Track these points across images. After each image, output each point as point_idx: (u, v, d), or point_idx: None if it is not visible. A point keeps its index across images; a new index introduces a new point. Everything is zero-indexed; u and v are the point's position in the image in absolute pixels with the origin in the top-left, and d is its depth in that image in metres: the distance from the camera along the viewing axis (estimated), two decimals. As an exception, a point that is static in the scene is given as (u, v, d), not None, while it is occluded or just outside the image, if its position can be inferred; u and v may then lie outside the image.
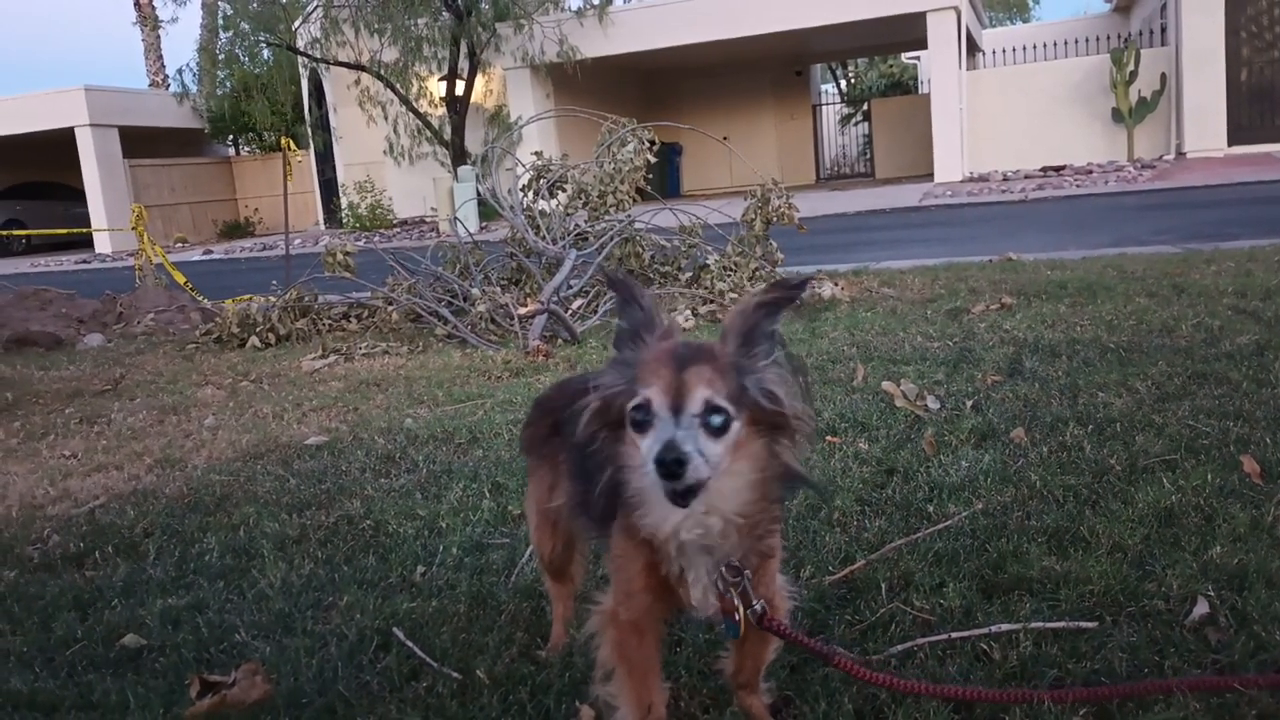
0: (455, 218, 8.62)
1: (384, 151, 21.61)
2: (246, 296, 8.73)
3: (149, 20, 29.46)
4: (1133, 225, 10.18)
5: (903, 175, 21.25)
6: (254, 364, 6.25)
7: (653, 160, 7.48)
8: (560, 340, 6.05)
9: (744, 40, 19.39)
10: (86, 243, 24.31)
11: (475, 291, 6.65)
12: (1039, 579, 2.27)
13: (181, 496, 3.50)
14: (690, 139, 20.86)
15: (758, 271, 6.90)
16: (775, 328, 1.54)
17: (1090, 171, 17.18)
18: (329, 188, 24.10)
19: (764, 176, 7.49)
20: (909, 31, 19.22)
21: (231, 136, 30.47)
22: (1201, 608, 2.07)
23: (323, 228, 23.94)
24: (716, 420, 1.44)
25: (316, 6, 20.51)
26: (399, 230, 20.51)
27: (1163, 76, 18.03)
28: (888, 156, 22.54)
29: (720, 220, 7.57)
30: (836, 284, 6.82)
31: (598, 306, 6.61)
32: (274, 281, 8.35)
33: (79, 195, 24.80)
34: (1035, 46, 23.15)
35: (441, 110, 20.88)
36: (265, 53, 23.81)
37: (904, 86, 27.66)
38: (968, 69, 19.35)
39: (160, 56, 30.94)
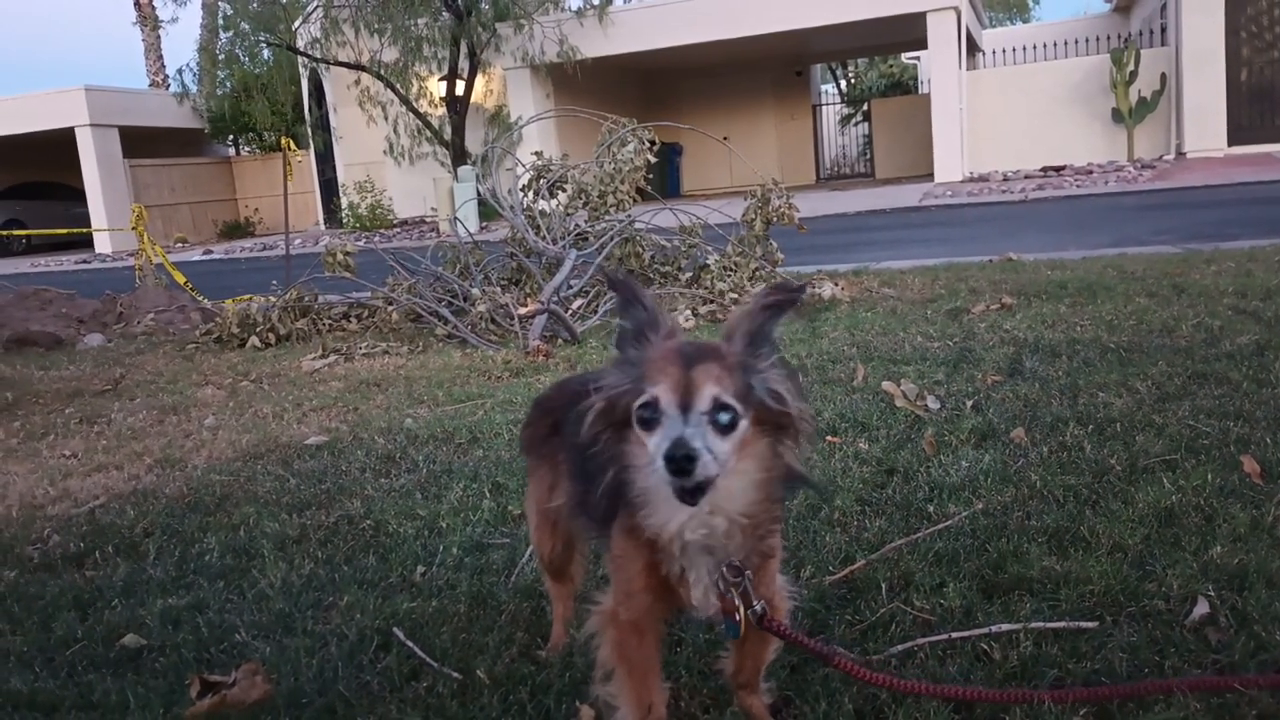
0: (455, 218, 8.62)
1: (384, 151, 21.61)
2: (246, 296, 8.73)
3: (149, 20, 29.47)
4: (1133, 225, 10.17)
5: (903, 175, 21.25)
6: (254, 364, 6.25)
7: (653, 160, 7.48)
8: (560, 340, 6.05)
9: (744, 40, 19.39)
10: (86, 243, 24.31)
11: (475, 291, 6.65)
12: (1039, 579, 2.27)
13: (181, 496, 3.50)
14: (690, 139, 20.86)
15: (758, 271, 6.90)
16: (779, 330, 1.54)
17: (1090, 171, 17.18)
18: (329, 188, 24.11)
19: (764, 176, 7.49)
20: (909, 31, 19.22)
21: (231, 136, 30.47)
22: (1202, 608, 2.07)
23: (323, 228, 23.95)
24: (725, 418, 1.44)
25: (316, 6, 20.51)
26: (399, 230, 20.51)
27: (1163, 76, 18.04)
28: (888, 156, 22.54)
29: (720, 220, 7.57)
30: (837, 284, 6.82)
31: (598, 306, 6.61)
32: (274, 281, 8.35)
33: (79, 195, 24.80)
34: (1035, 46, 23.15)
35: (441, 110, 20.88)
36: (265, 53, 23.81)
37: (904, 86, 27.66)
38: (968, 69, 19.36)
39: (160, 56, 30.95)
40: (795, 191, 8.15)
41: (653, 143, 7.51)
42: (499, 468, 3.45)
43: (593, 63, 19.59)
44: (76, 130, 24.08)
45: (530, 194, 7.67)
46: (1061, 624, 2.07)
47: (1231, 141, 17.68)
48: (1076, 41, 22.06)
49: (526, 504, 2.34)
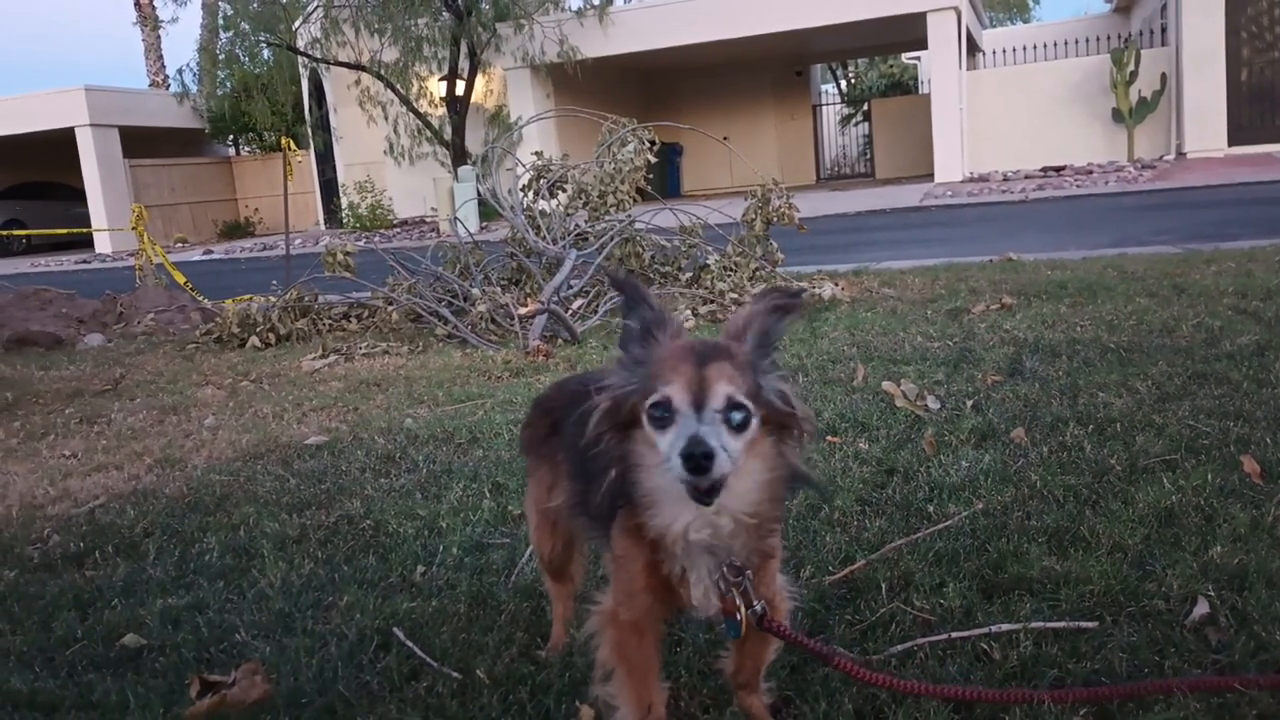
0: (455, 218, 8.62)
1: (384, 151, 21.61)
2: (247, 296, 8.73)
3: (149, 20, 29.46)
4: (1133, 225, 10.17)
5: (903, 175, 21.25)
6: (254, 364, 6.25)
7: (653, 160, 7.48)
8: (560, 340, 6.05)
9: (744, 40, 19.39)
10: (86, 243, 24.31)
11: (475, 291, 6.65)
12: (1039, 579, 2.27)
13: (181, 496, 3.50)
14: (690, 139, 20.86)
15: (758, 271, 6.90)
16: (785, 332, 1.55)
17: (1090, 172, 17.18)
18: (329, 188, 24.11)
19: (764, 176, 7.49)
20: (909, 32, 19.22)
21: (231, 136, 30.48)
22: (1202, 608, 2.07)
23: (323, 228, 23.95)
24: (738, 417, 1.44)
25: (316, 6, 20.51)
26: (399, 230, 20.51)
27: (1163, 77, 18.04)
28: (888, 157, 22.54)
29: (720, 220, 7.57)
30: (837, 284, 6.82)
31: (598, 306, 6.61)
32: (274, 281, 8.35)
33: (79, 195, 24.80)
34: (1035, 47, 23.16)
35: (441, 110, 20.88)
36: (265, 53, 23.81)
37: (904, 86, 27.66)
38: (968, 69, 19.35)
39: (160, 56, 30.96)
40: (795, 191, 8.15)
41: (653, 143, 7.51)
42: (499, 468, 3.45)
43: (593, 63, 19.59)
44: (76, 130, 24.09)
45: (530, 194, 7.67)
46: (1061, 624, 2.07)
47: (1232, 142, 17.68)
48: (1076, 41, 22.06)
49: (526, 504, 2.34)
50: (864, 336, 5.20)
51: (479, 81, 20.76)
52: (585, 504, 1.76)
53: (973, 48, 21.24)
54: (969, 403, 3.74)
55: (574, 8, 20.47)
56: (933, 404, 3.78)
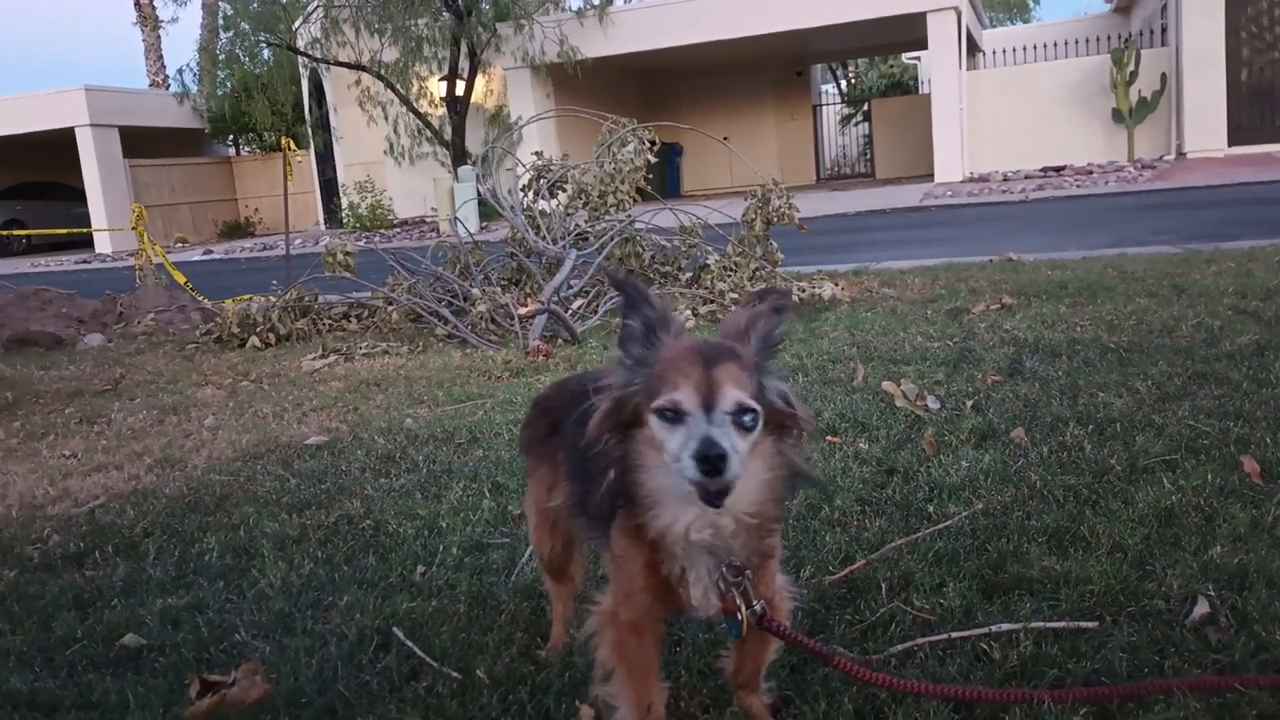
0: (455, 218, 8.63)
1: (384, 151, 21.61)
2: (246, 296, 8.73)
3: (149, 20, 29.47)
4: (1133, 225, 10.17)
5: (903, 175, 21.25)
6: (254, 364, 6.25)
7: (653, 160, 7.48)
8: (560, 340, 6.05)
9: (745, 40, 19.39)
10: (87, 243, 24.32)
11: (475, 291, 6.65)
12: (1039, 579, 2.27)
13: (181, 496, 3.50)
14: (691, 139, 20.86)
15: (758, 272, 6.90)
16: (784, 333, 1.56)
17: (1090, 172, 17.17)
18: (329, 188, 24.11)
19: (764, 176, 7.48)
20: (909, 32, 19.22)
21: (232, 136, 30.47)
22: (1202, 608, 2.07)
23: (323, 228, 23.95)
24: (747, 419, 1.44)
25: (317, 6, 20.52)
26: (399, 230, 20.51)
27: (1163, 77, 18.03)
28: (888, 157, 22.53)
29: (720, 220, 7.56)
30: (837, 284, 6.82)
31: (598, 306, 6.61)
32: (274, 281, 8.35)
33: (79, 195, 24.80)
34: (1035, 47, 23.16)
35: (442, 110, 20.88)
36: (265, 53, 23.80)
37: (904, 87, 27.65)
38: (968, 69, 19.35)
39: (160, 56, 30.96)
40: (795, 191, 8.15)
41: (653, 143, 7.51)
42: (499, 468, 3.45)
43: (593, 63, 19.59)
44: (76, 130, 24.09)
45: (530, 194, 7.67)
46: (1061, 624, 2.07)
47: (1232, 142, 17.68)
48: (1077, 42, 22.06)
49: (526, 504, 2.34)
50: (864, 336, 5.20)
51: (479, 81, 20.76)
52: (584, 504, 1.76)
53: (973, 48, 21.24)
54: (969, 403, 3.74)
55: (574, 8, 20.47)
56: (933, 404, 3.78)
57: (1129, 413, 3.41)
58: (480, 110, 21.15)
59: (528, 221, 7.30)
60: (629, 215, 7.26)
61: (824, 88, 30.29)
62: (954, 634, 2.07)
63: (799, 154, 25.05)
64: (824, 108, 27.32)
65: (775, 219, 7.14)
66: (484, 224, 15.79)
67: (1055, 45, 22.49)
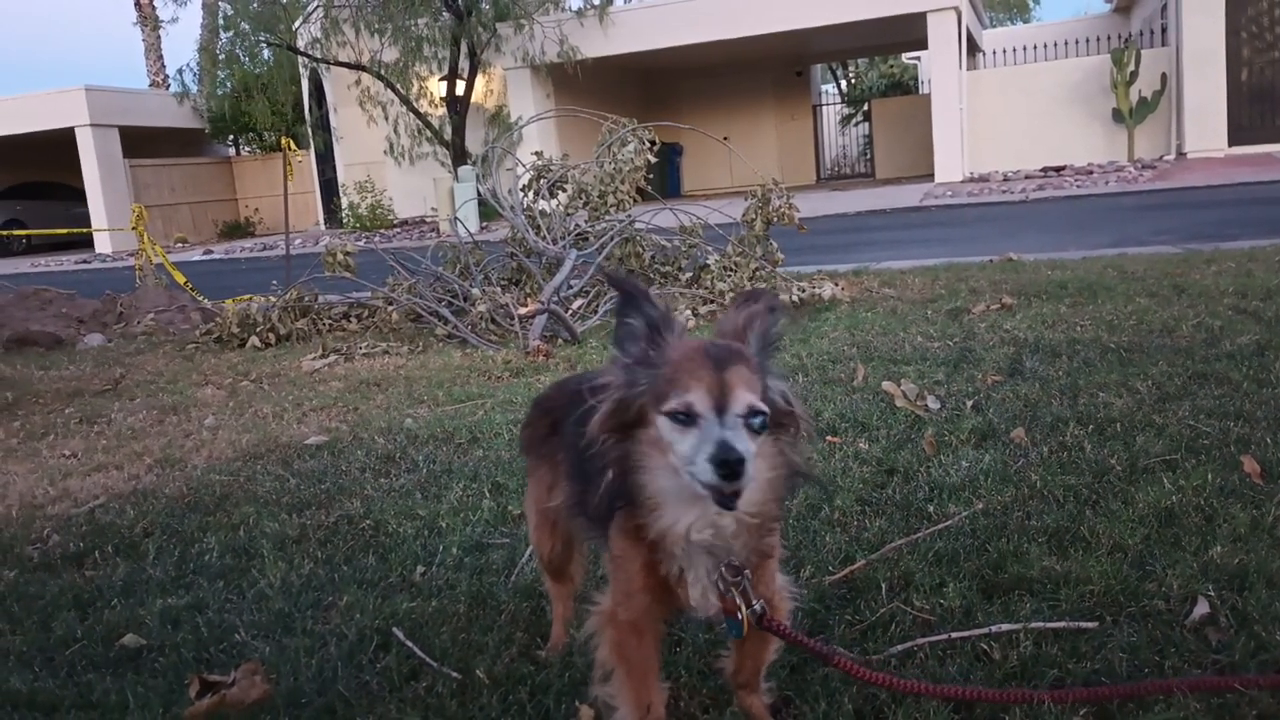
0: (455, 218, 8.63)
1: (384, 151, 21.61)
2: (246, 296, 8.73)
3: (149, 20, 29.47)
4: (1133, 225, 10.17)
5: (903, 175, 21.25)
6: (254, 364, 6.25)
7: (653, 160, 7.48)
8: (560, 340, 6.05)
9: (745, 40, 19.39)
10: (87, 243, 24.32)
11: (475, 291, 6.65)
12: (1039, 579, 2.27)
13: (181, 496, 3.50)
14: (691, 139, 20.86)
15: (758, 272, 6.89)
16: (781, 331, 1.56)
17: (1091, 172, 17.18)
18: (329, 188, 24.11)
19: (764, 176, 7.48)
20: (909, 32, 19.22)
21: (232, 136, 30.48)
22: (1202, 608, 2.07)
23: (323, 228, 23.95)
24: (757, 421, 1.44)
25: (317, 6, 20.52)
26: (399, 230, 20.51)
27: (1163, 77, 18.03)
28: (888, 157, 22.53)
29: (720, 220, 7.56)
30: (837, 284, 6.82)
31: (598, 306, 6.61)
32: (274, 281, 8.35)
33: (79, 195, 24.80)
34: (1035, 47, 23.16)
35: (442, 110, 20.88)
36: (265, 53, 23.80)
37: (904, 87, 27.66)
38: (968, 69, 19.35)
39: (160, 56, 30.96)
40: (795, 191, 8.15)
41: (653, 143, 7.50)
42: (499, 468, 3.45)
43: (593, 63, 19.59)
44: (77, 130, 24.09)
45: (530, 194, 7.67)
46: (1061, 624, 2.07)
47: (1232, 142, 17.68)
48: (1077, 42, 22.06)
49: (526, 504, 2.33)
50: (864, 336, 5.20)
51: (479, 81, 20.76)
52: (584, 504, 1.76)
53: (973, 48, 21.24)
54: (969, 403, 3.73)
55: (574, 8, 20.47)
56: (933, 404, 3.78)
57: (1129, 413, 3.41)
58: (480, 110, 21.16)
59: (528, 221, 7.30)
60: (629, 215, 7.25)
61: (824, 88, 30.30)
62: (954, 634, 2.07)
63: (799, 154, 25.05)
64: (824, 108, 27.32)
65: (775, 219, 7.14)
66: (484, 224, 15.79)
67: (1055, 45, 22.49)
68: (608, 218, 7.18)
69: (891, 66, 29.53)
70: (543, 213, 7.48)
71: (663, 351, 1.51)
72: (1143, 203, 12.86)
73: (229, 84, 25.55)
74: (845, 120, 28.59)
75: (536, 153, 8.07)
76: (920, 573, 2.35)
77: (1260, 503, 2.57)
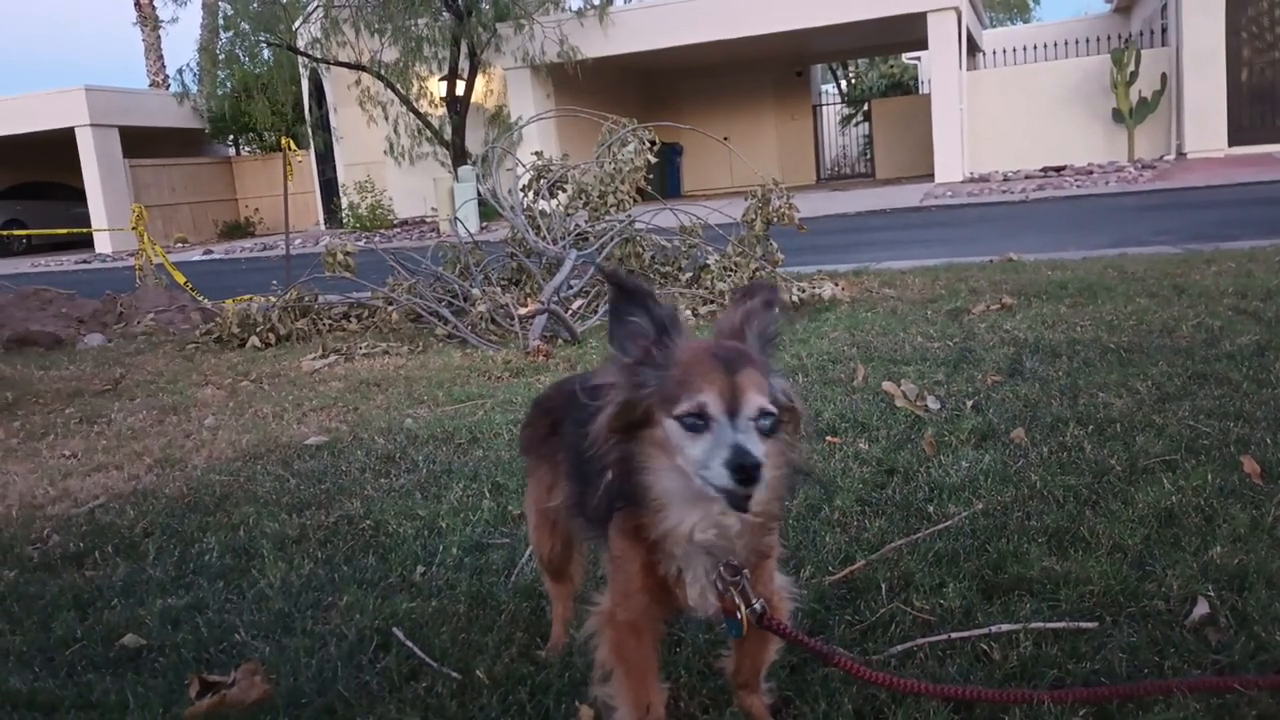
0: (455, 218, 8.63)
1: (384, 151, 21.62)
2: (247, 296, 8.73)
3: (149, 20, 29.47)
4: (1133, 226, 10.17)
5: (903, 175, 21.25)
6: (254, 364, 6.25)
7: (653, 160, 7.47)
8: (560, 340, 6.05)
9: (745, 40, 19.39)
10: (87, 243, 24.31)
11: (475, 291, 6.65)
12: (1039, 579, 2.27)
13: (181, 496, 3.50)
14: (691, 139, 20.86)
15: (758, 272, 6.89)
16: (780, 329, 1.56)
17: (1091, 172, 17.18)
18: (329, 188, 24.11)
19: (764, 177, 7.48)
20: (909, 32, 19.23)
21: (232, 136, 30.48)
22: (1202, 608, 2.07)
23: (323, 228, 23.95)
24: (768, 424, 1.44)
25: (317, 6, 20.52)
26: (399, 230, 20.51)
27: (1163, 77, 18.03)
28: (888, 157, 22.54)
29: (720, 220, 7.56)
30: (837, 284, 6.82)
31: (598, 306, 6.61)
32: (274, 281, 8.35)
33: (79, 195, 24.81)
34: (1036, 47, 23.16)
35: (442, 110, 20.89)
36: (265, 53, 23.80)
37: (904, 87, 27.66)
38: (968, 69, 19.35)
39: (160, 56, 30.96)
40: (795, 192, 8.15)
41: (653, 143, 7.50)
42: (499, 468, 3.45)
43: (593, 63, 19.59)
44: (77, 130, 24.10)
45: (530, 194, 7.67)
46: (1061, 624, 2.07)
47: (1232, 142, 17.68)
48: (1077, 42, 22.06)
49: (526, 504, 2.33)
50: (864, 336, 5.20)
51: (479, 81, 20.76)
52: (583, 504, 1.76)
53: (973, 48, 21.24)
54: (969, 403, 3.73)
55: (574, 8, 20.48)
56: (933, 404, 3.78)
57: (1129, 413, 3.41)
58: (480, 110, 21.16)
59: (528, 221, 7.30)
60: (629, 215, 7.25)
61: (824, 88, 30.30)
62: (954, 634, 2.07)
63: (799, 154, 25.05)
64: (824, 108, 27.32)
65: (775, 219, 7.14)
66: (484, 224, 15.79)
67: (1055, 45, 22.49)
68: (608, 218, 7.18)
69: (891, 66, 29.52)
70: (543, 213, 7.48)
71: (670, 352, 1.50)
72: (1143, 203, 12.86)
73: (229, 84, 25.55)
74: (845, 120, 28.59)
75: (536, 153, 8.07)
76: (920, 573, 2.35)
77: (1260, 503, 2.57)
